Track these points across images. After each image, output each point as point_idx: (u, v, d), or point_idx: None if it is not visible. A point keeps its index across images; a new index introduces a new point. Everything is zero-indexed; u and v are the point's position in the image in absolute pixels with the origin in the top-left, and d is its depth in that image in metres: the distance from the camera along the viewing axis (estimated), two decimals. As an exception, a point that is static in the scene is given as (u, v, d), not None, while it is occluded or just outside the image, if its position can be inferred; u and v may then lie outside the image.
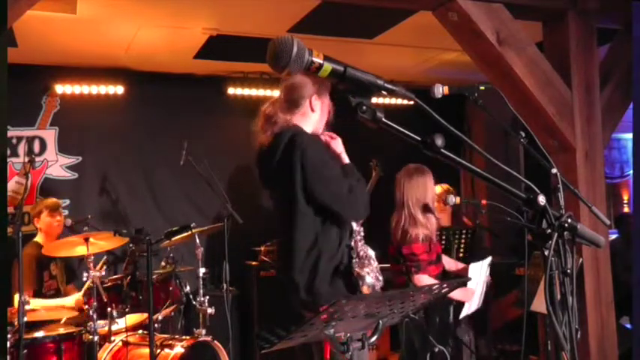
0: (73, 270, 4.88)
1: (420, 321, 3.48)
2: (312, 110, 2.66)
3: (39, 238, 4.48)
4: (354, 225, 2.61)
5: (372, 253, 2.60)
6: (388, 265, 3.63)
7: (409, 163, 3.66)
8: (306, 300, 2.48)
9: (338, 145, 2.69)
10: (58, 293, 4.45)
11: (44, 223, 4.45)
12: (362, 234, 2.61)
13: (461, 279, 3.59)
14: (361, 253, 2.55)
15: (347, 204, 2.51)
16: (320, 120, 2.71)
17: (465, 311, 3.71)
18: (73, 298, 4.14)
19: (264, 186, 2.76)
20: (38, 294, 4.29)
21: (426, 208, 3.55)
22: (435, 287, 1.69)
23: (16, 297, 4.08)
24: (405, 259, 3.51)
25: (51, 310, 4.01)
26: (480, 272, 3.76)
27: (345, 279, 2.50)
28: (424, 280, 3.49)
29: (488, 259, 3.87)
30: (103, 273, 3.89)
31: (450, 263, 3.99)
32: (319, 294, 2.46)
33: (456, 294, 3.59)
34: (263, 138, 2.65)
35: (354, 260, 2.52)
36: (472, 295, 3.69)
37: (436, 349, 3.45)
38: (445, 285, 1.70)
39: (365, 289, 2.48)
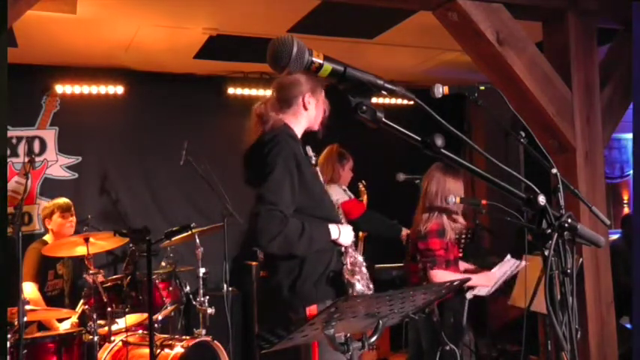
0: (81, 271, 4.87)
1: (430, 320, 3.39)
2: (305, 109, 2.56)
3: (48, 238, 4.43)
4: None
5: (361, 259, 2.51)
6: (401, 265, 3.51)
7: (408, 164, 3.64)
8: (289, 300, 2.40)
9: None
10: (62, 293, 4.44)
11: (56, 224, 4.40)
12: (353, 239, 2.52)
13: (464, 278, 3.55)
14: (351, 260, 2.46)
15: (256, 221, 2.27)
16: (314, 119, 2.61)
17: (475, 291, 3.58)
18: (69, 322, 4.09)
19: (247, 185, 2.65)
20: (41, 292, 4.28)
21: (449, 208, 3.47)
22: (435, 286, 1.69)
23: (24, 286, 4.07)
24: (421, 255, 3.41)
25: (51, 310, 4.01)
26: (509, 268, 3.63)
27: (334, 285, 2.42)
28: (439, 275, 3.35)
29: (523, 263, 3.63)
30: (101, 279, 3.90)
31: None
32: (302, 293, 2.38)
33: (479, 279, 3.52)
34: (252, 138, 2.56)
35: (344, 267, 2.43)
36: (493, 281, 3.57)
37: (447, 347, 3.38)
38: (445, 285, 1.70)
39: None
